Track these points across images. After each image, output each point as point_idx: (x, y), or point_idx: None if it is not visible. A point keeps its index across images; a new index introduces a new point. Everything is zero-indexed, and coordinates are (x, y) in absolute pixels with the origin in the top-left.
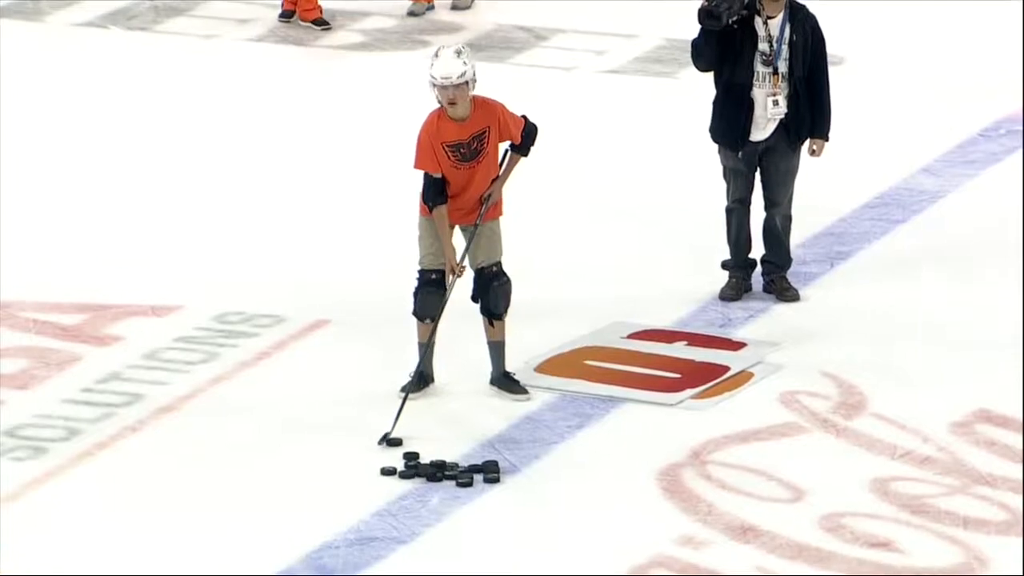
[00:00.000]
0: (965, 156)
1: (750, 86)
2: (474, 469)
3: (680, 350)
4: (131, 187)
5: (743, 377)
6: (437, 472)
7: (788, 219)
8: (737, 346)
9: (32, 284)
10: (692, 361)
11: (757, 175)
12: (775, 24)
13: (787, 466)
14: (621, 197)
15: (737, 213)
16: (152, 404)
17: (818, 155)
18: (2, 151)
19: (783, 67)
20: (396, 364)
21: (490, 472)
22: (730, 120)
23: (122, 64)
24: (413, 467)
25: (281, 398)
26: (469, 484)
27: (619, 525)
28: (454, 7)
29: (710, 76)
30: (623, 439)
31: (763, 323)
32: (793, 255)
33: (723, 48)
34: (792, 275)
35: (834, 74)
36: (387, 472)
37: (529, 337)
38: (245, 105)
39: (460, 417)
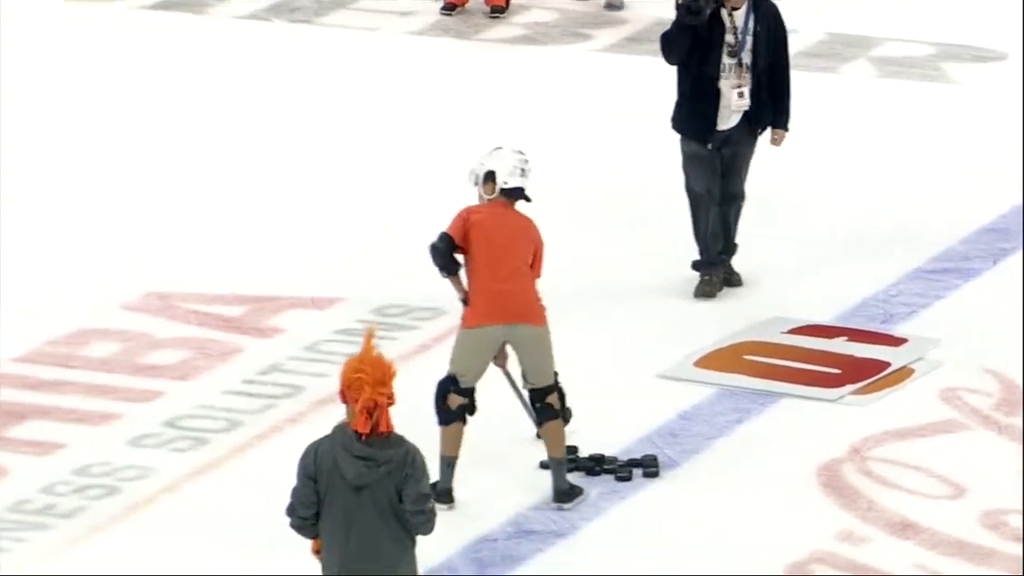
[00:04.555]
0: None
1: (718, 78)
2: (633, 463)
3: (840, 345)
4: (296, 179)
5: (904, 373)
6: (596, 466)
7: (740, 208)
8: (898, 342)
9: (193, 276)
10: (852, 357)
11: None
12: (739, 15)
13: (947, 463)
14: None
15: (706, 203)
16: (312, 396)
17: (778, 145)
18: (168, 144)
19: (747, 58)
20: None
21: (649, 466)
22: (699, 112)
23: (284, 57)
24: (572, 461)
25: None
26: (628, 478)
27: (778, 520)
28: (608, 5)
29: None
30: (782, 434)
31: (924, 319)
32: (954, 250)
33: (692, 40)
34: (956, 272)
35: (999, 70)
36: (545, 466)
37: (690, 331)
38: (411, 97)
39: (618, 411)
